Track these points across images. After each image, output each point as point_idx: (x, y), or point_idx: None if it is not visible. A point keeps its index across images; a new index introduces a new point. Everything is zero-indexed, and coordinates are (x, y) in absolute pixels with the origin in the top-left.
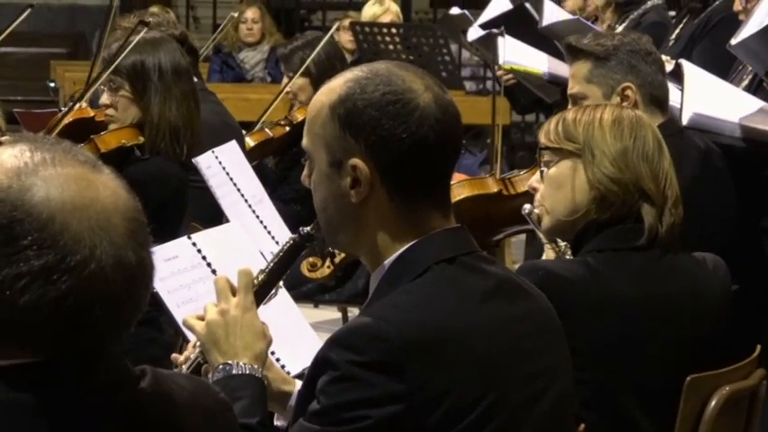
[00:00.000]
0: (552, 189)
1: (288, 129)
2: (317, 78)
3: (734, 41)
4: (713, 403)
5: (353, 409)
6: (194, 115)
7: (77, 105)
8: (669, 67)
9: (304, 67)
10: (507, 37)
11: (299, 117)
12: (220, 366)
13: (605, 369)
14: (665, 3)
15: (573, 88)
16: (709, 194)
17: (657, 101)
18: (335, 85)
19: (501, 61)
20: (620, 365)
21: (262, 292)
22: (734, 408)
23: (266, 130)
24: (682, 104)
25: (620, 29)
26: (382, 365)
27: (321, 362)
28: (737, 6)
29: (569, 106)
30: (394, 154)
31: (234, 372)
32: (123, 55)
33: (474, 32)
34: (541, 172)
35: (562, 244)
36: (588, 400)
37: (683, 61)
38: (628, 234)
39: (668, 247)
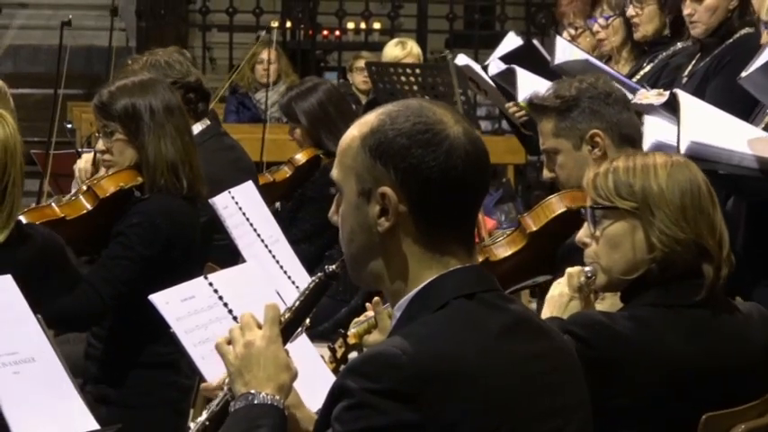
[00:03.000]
0: (608, 248)
1: (290, 172)
2: (309, 126)
3: (744, 74)
4: None
5: None
6: (191, 149)
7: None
8: (662, 99)
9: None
10: (523, 71)
11: (302, 160)
12: (242, 396)
13: (654, 425)
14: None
15: (544, 144)
16: None
17: (628, 139)
18: (368, 119)
19: (520, 99)
20: (669, 422)
21: (288, 330)
22: None
23: (266, 174)
24: (679, 134)
25: (647, 68)
26: (396, 394)
27: (337, 390)
28: (765, 39)
29: (544, 160)
30: (423, 182)
31: (256, 401)
32: (114, 99)
33: (494, 67)
34: (591, 225)
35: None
36: None
37: (678, 91)
38: (686, 291)
39: (721, 302)
